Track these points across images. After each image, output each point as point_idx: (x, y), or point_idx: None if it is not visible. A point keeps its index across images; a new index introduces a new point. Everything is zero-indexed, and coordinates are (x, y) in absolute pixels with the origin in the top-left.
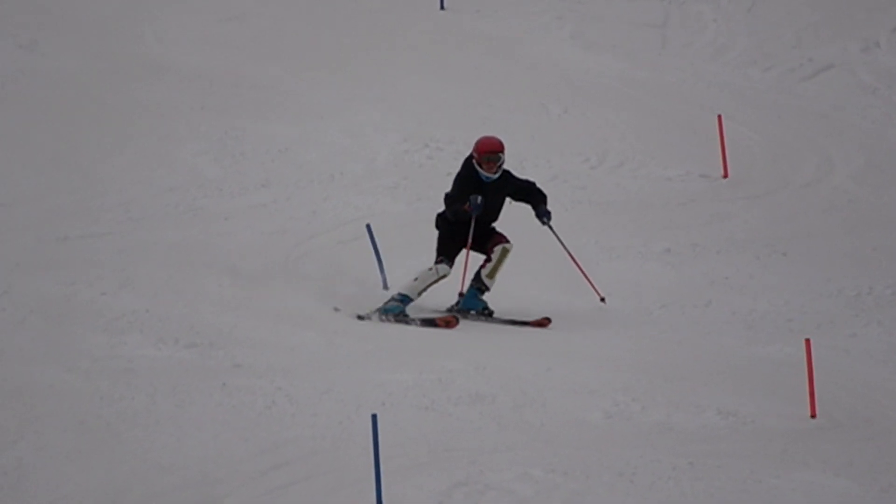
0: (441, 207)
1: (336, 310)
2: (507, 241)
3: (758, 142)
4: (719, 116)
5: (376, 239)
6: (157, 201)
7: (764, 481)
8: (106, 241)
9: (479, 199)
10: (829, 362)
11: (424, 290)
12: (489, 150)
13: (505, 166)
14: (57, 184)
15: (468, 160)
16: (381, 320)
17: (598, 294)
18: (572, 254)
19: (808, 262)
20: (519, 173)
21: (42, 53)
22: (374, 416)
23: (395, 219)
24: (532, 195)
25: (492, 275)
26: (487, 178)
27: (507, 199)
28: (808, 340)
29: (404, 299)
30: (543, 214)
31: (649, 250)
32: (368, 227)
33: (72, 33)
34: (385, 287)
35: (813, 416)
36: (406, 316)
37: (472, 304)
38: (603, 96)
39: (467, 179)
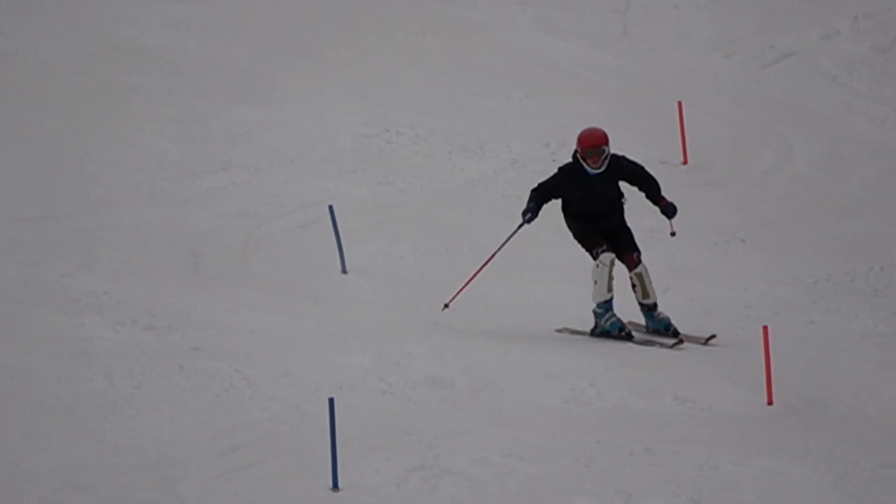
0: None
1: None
2: (639, 261)
3: (718, 128)
4: (679, 103)
5: (337, 222)
6: (118, 183)
7: (721, 467)
8: (66, 223)
9: (530, 216)
10: (786, 349)
11: (609, 285)
12: (592, 144)
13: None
14: (17, 164)
15: (574, 155)
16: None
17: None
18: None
19: (767, 249)
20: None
21: (4, 35)
22: (331, 400)
23: (355, 203)
24: (646, 182)
25: (646, 296)
26: (593, 172)
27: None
28: (765, 327)
29: (604, 305)
30: (672, 210)
31: None
32: (331, 208)
33: (35, 15)
34: (343, 271)
35: (770, 402)
36: (623, 329)
37: (659, 325)
38: (564, 82)
39: (560, 181)
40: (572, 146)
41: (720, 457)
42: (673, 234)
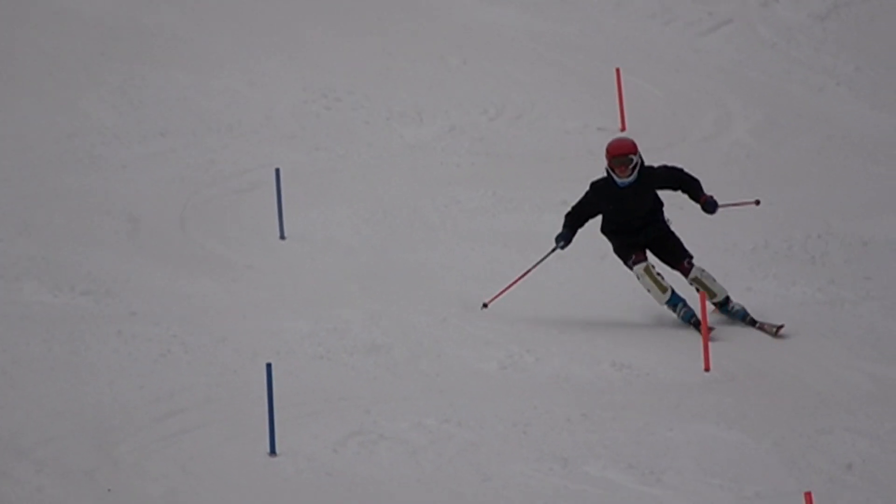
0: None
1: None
2: (691, 266)
3: (656, 95)
4: (617, 70)
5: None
6: (55, 148)
7: (658, 433)
8: (3, 188)
9: (563, 243)
10: (723, 316)
11: (660, 286)
12: (617, 154)
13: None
14: None
15: (606, 170)
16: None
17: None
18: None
19: (705, 216)
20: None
21: None
22: (268, 365)
23: (293, 169)
24: (684, 184)
25: (712, 296)
26: (623, 182)
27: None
28: (702, 294)
29: (669, 303)
30: (712, 206)
31: (546, 202)
32: (277, 171)
33: None
34: (282, 237)
35: (707, 369)
36: (693, 319)
37: (736, 316)
38: (502, 48)
39: (592, 197)
40: (511, 113)
41: (657, 423)
42: (757, 202)
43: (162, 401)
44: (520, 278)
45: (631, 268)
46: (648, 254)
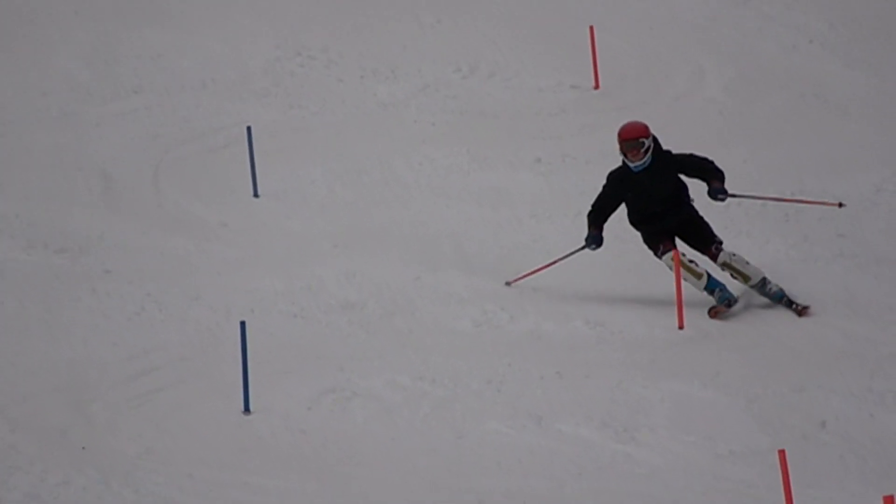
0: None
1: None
2: (719, 251)
3: (630, 53)
4: (591, 27)
5: (253, 144)
6: (29, 105)
7: (631, 391)
8: None
9: (594, 245)
10: (763, 299)
11: (695, 273)
12: (628, 138)
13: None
14: None
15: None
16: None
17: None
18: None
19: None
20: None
21: None
22: (242, 323)
23: (267, 126)
24: (703, 171)
25: (746, 280)
26: (637, 166)
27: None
28: (676, 252)
29: (707, 288)
30: (717, 193)
31: (520, 160)
32: (249, 129)
33: None
34: (255, 195)
35: (681, 327)
36: (731, 301)
37: (774, 298)
38: (476, 6)
39: (609, 188)
40: (484, 71)
41: (631, 380)
42: (840, 205)
43: (136, 359)
44: (546, 266)
45: (660, 258)
46: (679, 242)
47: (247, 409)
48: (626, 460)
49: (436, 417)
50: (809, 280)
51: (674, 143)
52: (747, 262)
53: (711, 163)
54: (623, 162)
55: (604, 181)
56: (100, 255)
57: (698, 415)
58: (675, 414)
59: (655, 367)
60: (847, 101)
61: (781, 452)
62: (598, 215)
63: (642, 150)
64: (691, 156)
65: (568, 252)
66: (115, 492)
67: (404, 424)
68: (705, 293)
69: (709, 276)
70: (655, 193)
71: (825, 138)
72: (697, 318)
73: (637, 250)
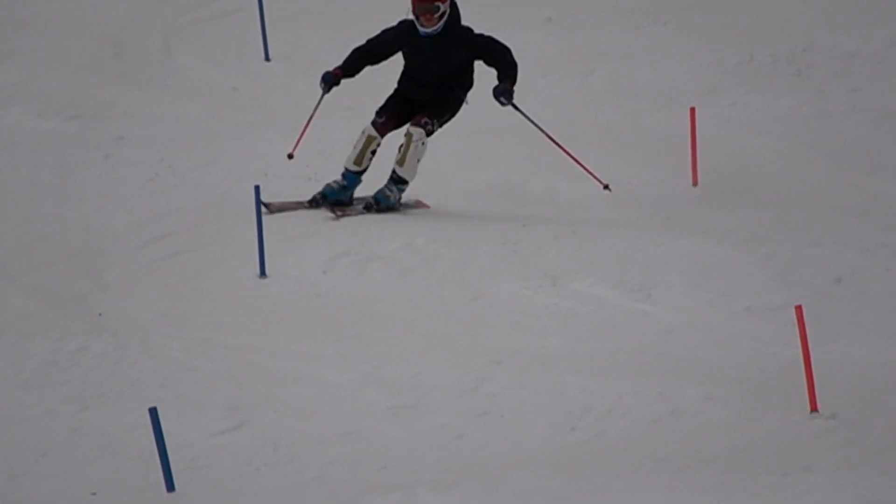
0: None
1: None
2: (424, 124)
3: None
4: None
5: (263, 6)
6: None
7: (645, 249)
8: None
9: (325, 85)
10: (710, 131)
11: (360, 157)
12: (422, 0)
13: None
14: None
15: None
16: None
17: (601, 182)
18: (553, 137)
19: (689, 32)
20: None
21: None
22: (256, 187)
23: None
24: (497, 63)
25: (401, 162)
26: (426, 32)
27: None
28: (692, 109)
29: (349, 176)
30: (501, 94)
31: (531, 20)
32: None
33: None
34: (266, 58)
35: (695, 184)
36: (327, 202)
37: (383, 199)
38: None
39: (392, 33)
40: None
41: (645, 238)
42: (606, 186)
43: (150, 224)
44: (307, 124)
45: (370, 123)
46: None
47: (262, 274)
48: (641, 318)
49: (451, 278)
50: (822, 135)
51: (683, 2)
52: (418, 160)
53: (510, 57)
54: (408, 20)
55: (388, 27)
56: (112, 122)
57: (713, 272)
58: (691, 271)
59: (670, 225)
60: None
61: (798, 308)
62: (362, 57)
63: (436, 16)
64: (491, 40)
65: (318, 100)
66: (131, 357)
67: (421, 286)
68: (344, 172)
69: (361, 173)
70: (430, 66)
71: None
72: (711, 175)
73: (648, 108)
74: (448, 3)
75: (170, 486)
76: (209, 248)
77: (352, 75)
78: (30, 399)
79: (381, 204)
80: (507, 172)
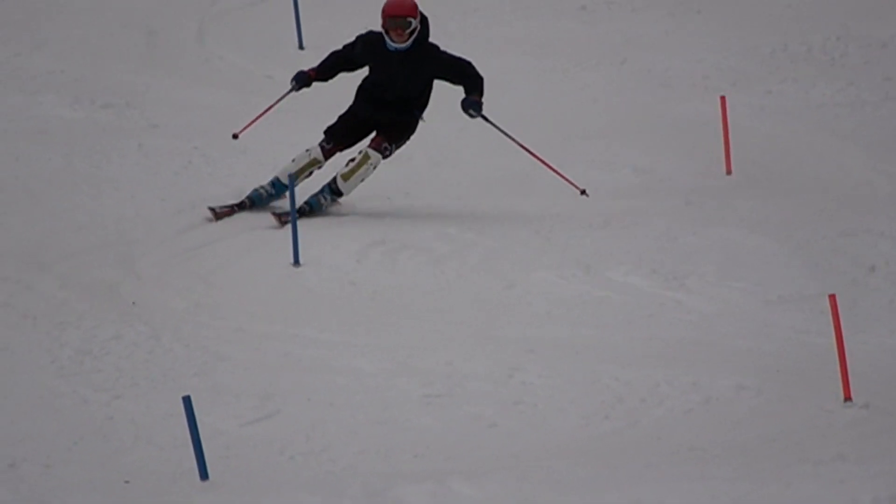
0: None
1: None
2: (384, 149)
3: None
4: None
5: None
6: None
7: (680, 238)
8: (20, 2)
9: (295, 83)
10: (744, 119)
11: (297, 175)
12: (392, 14)
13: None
14: None
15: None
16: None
17: (577, 188)
18: (526, 146)
19: (723, 20)
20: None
21: None
22: (290, 176)
23: None
24: (464, 78)
25: (346, 177)
26: (395, 48)
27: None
28: (723, 98)
29: (278, 184)
30: (469, 106)
31: (564, 8)
32: None
33: None
34: (300, 46)
35: (728, 173)
36: (251, 204)
37: (315, 206)
38: None
39: (361, 44)
40: None
41: (679, 227)
42: (583, 192)
43: (184, 213)
44: (264, 112)
45: (318, 143)
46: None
47: (296, 262)
48: (675, 307)
49: (485, 267)
50: (856, 124)
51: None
52: (362, 180)
53: (474, 71)
54: (379, 33)
55: (363, 32)
56: (146, 110)
57: (747, 261)
58: (724, 260)
59: (703, 213)
60: None
61: (832, 297)
62: (338, 63)
63: (407, 31)
64: (458, 60)
65: (282, 94)
66: (165, 346)
67: (454, 275)
68: (272, 180)
69: (293, 180)
70: (396, 82)
71: None
72: (745, 164)
73: (681, 97)
74: (419, 18)
75: (203, 475)
76: (242, 237)
77: (325, 79)
78: (64, 387)
79: (313, 210)
80: (539, 162)
